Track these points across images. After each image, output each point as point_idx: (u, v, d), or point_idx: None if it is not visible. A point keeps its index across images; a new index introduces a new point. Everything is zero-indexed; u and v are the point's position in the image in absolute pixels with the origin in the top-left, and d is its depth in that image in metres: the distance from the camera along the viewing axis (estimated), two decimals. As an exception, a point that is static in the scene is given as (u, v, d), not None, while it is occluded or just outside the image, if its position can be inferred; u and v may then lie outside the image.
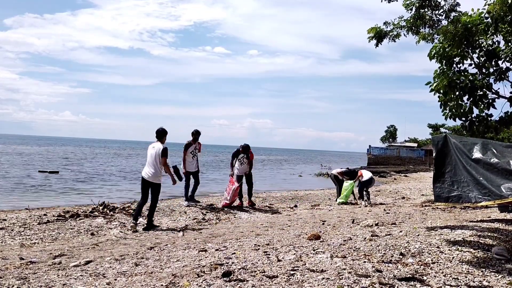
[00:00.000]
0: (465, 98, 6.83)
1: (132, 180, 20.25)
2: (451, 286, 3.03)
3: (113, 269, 4.02)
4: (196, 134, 9.40)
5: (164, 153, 6.90)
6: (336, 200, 11.27)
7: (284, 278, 3.22)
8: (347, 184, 11.12)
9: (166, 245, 5.38)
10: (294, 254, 4.10)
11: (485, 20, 6.46)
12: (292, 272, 3.36)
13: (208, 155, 64.21)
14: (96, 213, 8.03)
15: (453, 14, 6.38)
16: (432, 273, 3.32)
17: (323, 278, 3.16)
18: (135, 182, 19.56)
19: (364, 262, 3.63)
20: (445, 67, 6.91)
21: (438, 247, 4.23)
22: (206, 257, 4.25)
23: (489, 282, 3.15)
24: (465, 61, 6.94)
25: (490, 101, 6.85)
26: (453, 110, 6.87)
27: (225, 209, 9.38)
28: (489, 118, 6.91)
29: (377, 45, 6.79)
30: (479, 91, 6.78)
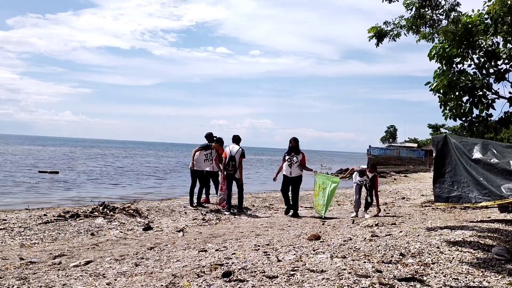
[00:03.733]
0: (464, 99, 6.83)
1: (132, 180, 20.25)
2: (451, 286, 3.03)
3: (113, 269, 4.02)
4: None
5: None
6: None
7: (284, 278, 3.22)
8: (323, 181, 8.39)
9: (166, 245, 5.39)
10: (294, 254, 4.10)
11: (484, 21, 6.46)
12: (292, 272, 3.36)
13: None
14: (96, 213, 8.03)
15: (453, 13, 6.37)
16: (432, 273, 3.32)
17: (323, 278, 3.16)
18: (136, 181, 19.58)
19: (364, 262, 3.63)
20: (445, 67, 6.91)
21: (438, 247, 4.22)
22: (206, 257, 4.25)
23: (489, 282, 3.15)
24: (465, 62, 6.94)
25: (490, 101, 6.85)
26: (453, 111, 6.86)
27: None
28: (489, 119, 6.91)
29: (377, 44, 6.76)
30: (479, 91, 6.78)
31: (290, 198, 8.50)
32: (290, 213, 8.46)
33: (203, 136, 9.63)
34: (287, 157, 8.27)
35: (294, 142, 8.37)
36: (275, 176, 8.64)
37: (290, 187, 8.37)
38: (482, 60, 6.91)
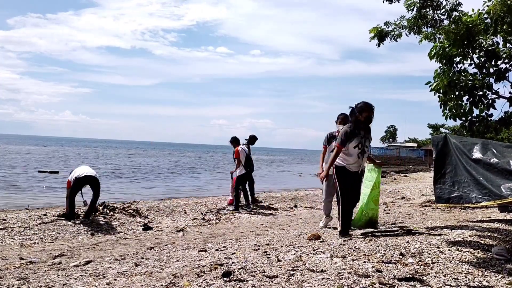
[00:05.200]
0: (465, 98, 6.84)
1: (132, 180, 20.24)
2: (451, 286, 3.03)
3: (113, 269, 4.02)
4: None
5: None
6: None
7: (284, 278, 3.22)
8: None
9: (166, 245, 5.39)
10: (294, 254, 4.10)
11: (484, 21, 6.47)
12: (292, 272, 3.35)
13: (208, 155, 64.19)
14: (96, 213, 8.03)
15: (454, 13, 6.38)
16: (432, 273, 3.32)
17: (323, 278, 3.15)
18: (135, 181, 19.58)
19: (364, 262, 3.63)
20: (445, 67, 6.92)
21: (438, 247, 4.22)
22: (206, 257, 4.25)
23: (489, 282, 3.15)
24: (465, 61, 6.95)
25: (490, 101, 6.86)
26: (453, 110, 6.88)
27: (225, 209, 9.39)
28: (489, 118, 6.91)
29: (379, 45, 6.77)
30: (479, 91, 6.79)
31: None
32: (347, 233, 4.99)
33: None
34: (354, 140, 4.78)
35: (372, 111, 4.79)
36: (326, 172, 5.17)
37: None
38: (482, 59, 6.92)
